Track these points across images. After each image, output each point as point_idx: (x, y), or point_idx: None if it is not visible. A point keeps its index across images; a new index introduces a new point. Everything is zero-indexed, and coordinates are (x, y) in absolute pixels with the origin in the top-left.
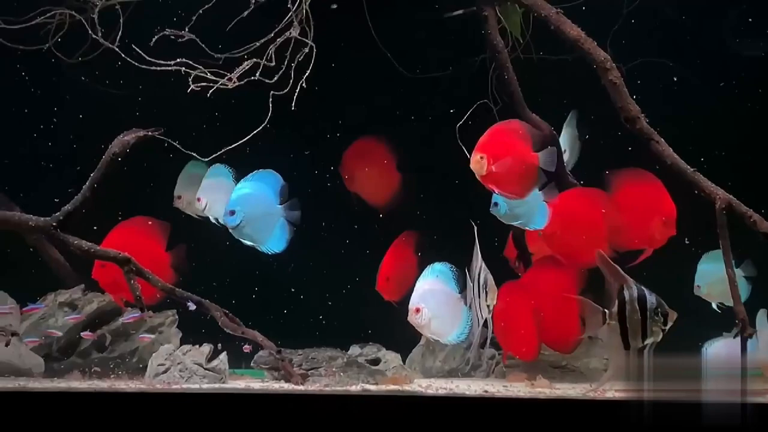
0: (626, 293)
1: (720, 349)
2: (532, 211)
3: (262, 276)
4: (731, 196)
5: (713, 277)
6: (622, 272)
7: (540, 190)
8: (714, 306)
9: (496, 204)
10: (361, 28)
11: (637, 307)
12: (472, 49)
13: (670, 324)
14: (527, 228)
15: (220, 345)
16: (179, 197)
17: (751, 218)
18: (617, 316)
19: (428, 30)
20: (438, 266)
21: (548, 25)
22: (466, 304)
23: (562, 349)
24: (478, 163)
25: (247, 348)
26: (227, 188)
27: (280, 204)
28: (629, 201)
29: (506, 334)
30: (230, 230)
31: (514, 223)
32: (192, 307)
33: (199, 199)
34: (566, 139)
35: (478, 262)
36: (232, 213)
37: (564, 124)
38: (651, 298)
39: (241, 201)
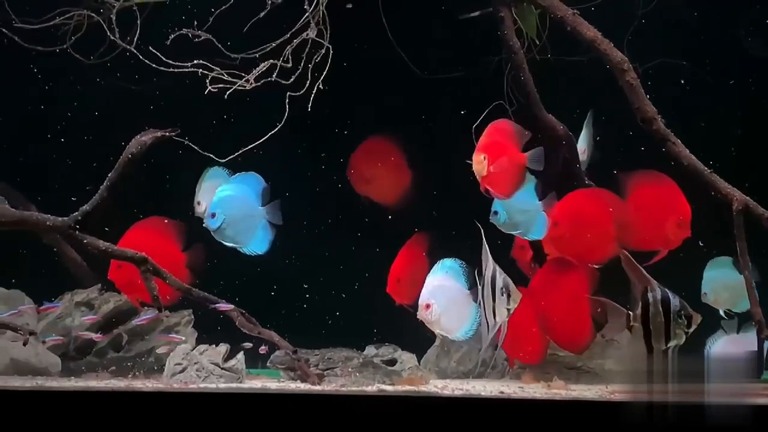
0: (650, 295)
1: (725, 346)
2: (531, 221)
3: (275, 277)
4: (748, 198)
5: (719, 284)
6: (647, 274)
7: (540, 200)
8: (721, 313)
9: (495, 212)
10: (375, 28)
11: (661, 310)
12: (489, 50)
13: (694, 327)
14: (526, 237)
15: (249, 344)
16: (199, 203)
17: None
18: (641, 318)
19: (444, 30)
20: (448, 262)
21: (565, 26)
22: (475, 300)
23: (574, 349)
24: (480, 164)
25: (263, 349)
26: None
27: (262, 205)
28: (644, 202)
29: (511, 339)
30: (212, 233)
31: (513, 233)
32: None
33: (199, 203)
34: (584, 139)
35: (489, 264)
36: (213, 215)
37: (584, 123)
38: (675, 301)
39: (221, 203)
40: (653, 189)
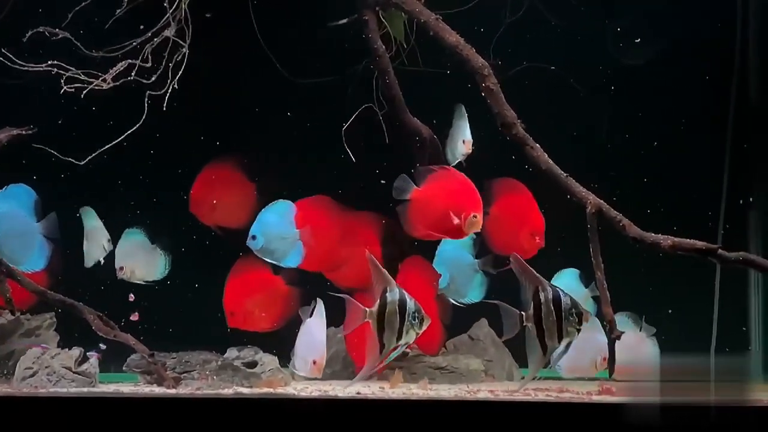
0: (542, 295)
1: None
2: (288, 248)
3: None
4: (602, 201)
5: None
6: (537, 274)
7: None
8: None
9: (254, 237)
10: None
11: (553, 309)
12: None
13: (584, 323)
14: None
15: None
16: (121, 269)
17: (621, 222)
18: (534, 317)
19: (313, 35)
20: None
21: (428, 31)
22: None
23: (428, 350)
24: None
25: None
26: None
27: (38, 221)
28: (501, 212)
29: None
30: None
31: (269, 259)
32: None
33: (121, 268)
34: (462, 130)
35: (393, 286)
36: None
37: (456, 117)
38: (566, 299)
39: None
40: (510, 199)
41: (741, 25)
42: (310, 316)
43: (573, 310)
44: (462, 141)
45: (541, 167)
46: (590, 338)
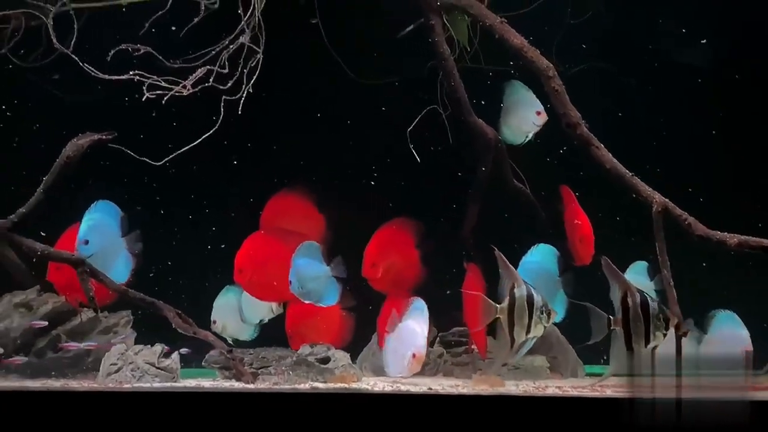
0: (630, 299)
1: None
2: (322, 287)
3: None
4: (667, 200)
5: None
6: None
7: None
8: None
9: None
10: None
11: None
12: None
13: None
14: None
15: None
16: (214, 322)
17: (686, 221)
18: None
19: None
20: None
21: (493, 33)
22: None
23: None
24: None
25: (186, 350)
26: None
27: (123, 236)
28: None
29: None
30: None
31: (307, 301)
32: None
33: (214, 322)
34: (526, 104)
35: (519, 280)
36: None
37: (509, 94)
38: (653, 304)
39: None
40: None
41: None
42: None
43: (661, 314)
44: (535, 112)
45: (605, 166)
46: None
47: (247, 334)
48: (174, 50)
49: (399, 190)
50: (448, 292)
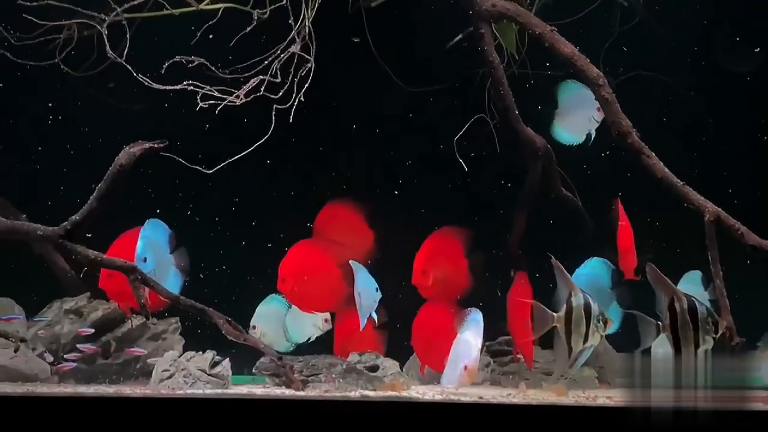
0: (677, 305)
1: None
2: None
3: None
4: (720, 209)
5: None
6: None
7: None
8: None
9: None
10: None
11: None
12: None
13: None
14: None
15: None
16: (254, 327)
17: (739, 231)
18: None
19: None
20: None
21: (542, 42)
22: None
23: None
24: None
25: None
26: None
27: (170, 253)
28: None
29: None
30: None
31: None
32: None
33: (254, 327)
34: (585, 101)
35: (576, 289)
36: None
37: (562, 94)
38: (701, 308)
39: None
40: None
41: None
42: (464, 325)
43: (709, 318)
44: (596, 108)
45: (657, 176)
46: None
47: (284, 346)
48: (224, 60)
49: (446, 197)
50: (499, 294)
